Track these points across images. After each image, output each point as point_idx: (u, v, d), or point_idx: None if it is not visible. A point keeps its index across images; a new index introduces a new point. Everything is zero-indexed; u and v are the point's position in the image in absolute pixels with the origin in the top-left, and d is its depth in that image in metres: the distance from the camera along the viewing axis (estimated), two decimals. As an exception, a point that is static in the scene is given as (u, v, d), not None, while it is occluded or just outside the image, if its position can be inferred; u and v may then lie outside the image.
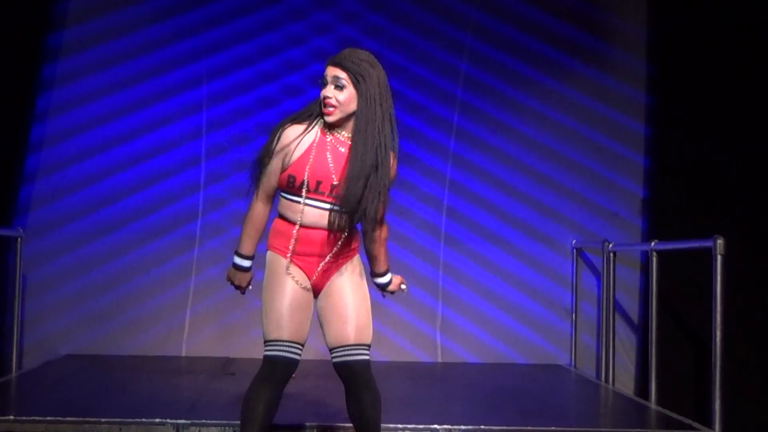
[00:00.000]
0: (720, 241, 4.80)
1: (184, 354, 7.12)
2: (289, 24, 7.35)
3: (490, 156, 7.31)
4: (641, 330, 6.81)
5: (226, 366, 6.54)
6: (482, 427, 4.50)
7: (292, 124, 3.63)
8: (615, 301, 6.63)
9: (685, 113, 6.81)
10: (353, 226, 3.63)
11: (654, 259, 5.83)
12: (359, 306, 3.66)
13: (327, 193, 3.56)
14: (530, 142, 7.31)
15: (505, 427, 4.53)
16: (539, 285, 7.24)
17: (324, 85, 3.57)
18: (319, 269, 3.64)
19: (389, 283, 3.88)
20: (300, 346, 3.60)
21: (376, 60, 3.58)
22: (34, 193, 7.10)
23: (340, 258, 3.66)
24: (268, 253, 3.68)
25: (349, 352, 3.61)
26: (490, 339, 7.20)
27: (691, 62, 6.82)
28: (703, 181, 6.71)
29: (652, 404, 5.68)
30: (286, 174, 3.60)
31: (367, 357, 3.62)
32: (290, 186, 3.59)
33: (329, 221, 3.57)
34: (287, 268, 3.63)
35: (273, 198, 3.71)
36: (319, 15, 7.35)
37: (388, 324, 6.97)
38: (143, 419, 4.47)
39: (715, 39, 6.75)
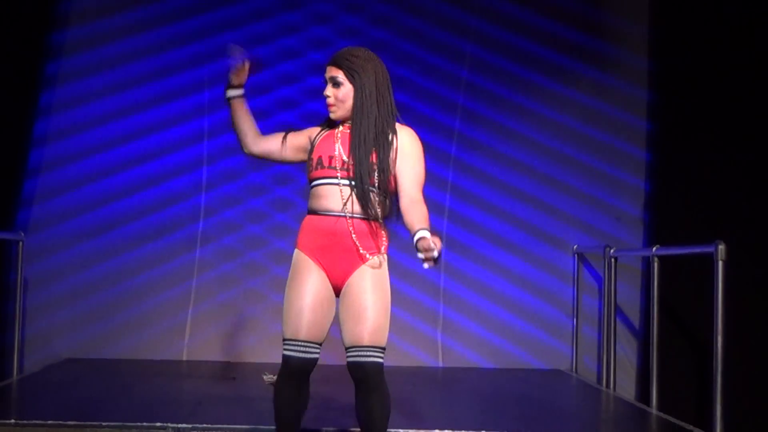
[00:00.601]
0: (721, 247, 4.80)
1: (185, 358, 7.11)
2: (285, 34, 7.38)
3: (491, 159, 7.30)
4: (642, 335, 6.80)
5: (227, 370, 6.53)
6: (483, 432, 4.52)
7: (317, 125, 3.88)
8: (616, 306, 6.63)
9: (688, 117, 6.80)
10: (369, 208, 3.66)
11: (655, 264, 5.83)
12: (377, 307, 3.66)
13: (338, 167, 3.68)
14: (532, 145, 7.30)
15: (506, 432, 4.54)
16: (540, 290, 7.23)
17: (326, 83, 3.78)
18: (340, 265, 3.68)
19: (420, 239, 3.50)
20: (316, 345, 3.65)
21: (372, 54, 3.77)
22: (36, 193, 7.10)
23: (361, 252, 3.67)
24: (295, 251, 3.76)
25: (362, 353, 3.62)
26: (491, 343, 7.20)
27: (693, 63, 6.80)
28: (705, 185, 6.69)
29: (653, 409, 5.68)
30: (308, 161, 3.81)
31: (379, 360, 3.62)
32: (309, 170, 3.77)
33: (341, 198, 3.66)
34: (309, 265, 3.70)
35: (262, 138, 3.91)
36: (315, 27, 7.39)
37: (389, 327, 6.95)
38: (144, 423, 4.47)
39: (717, 44, 6.73)
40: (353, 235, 3.66)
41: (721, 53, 6.72)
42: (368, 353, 3.63)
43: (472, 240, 7.26)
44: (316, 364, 3.68)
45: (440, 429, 4.50)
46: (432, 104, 7.34)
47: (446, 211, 7.26)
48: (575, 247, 7.21)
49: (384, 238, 3.75)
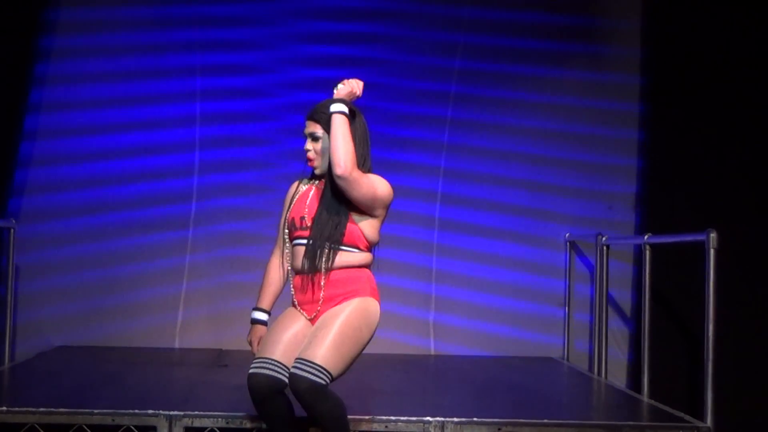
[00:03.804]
0: (713, 235, 4.80)
1: (177, 346, 7.12)
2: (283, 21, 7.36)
3: (484, 147, 7.31)
4: (634, 323, 6.82)
5: (219, 358, 6.54)
6: (475, 419, 4.51)
7: (296, 181, 4.00)
8: (608, 294, 6.65)
9: (679, 107, 6.81)
10: (330, 262, 3.74)
11: (647, 252, 5.83)
12: (341, 337, 3.67)
13: (306, 228, 3.79)
14: (525, 134, 7.30)
15: (497, 420, 4.52)
16: (533, 278, 7.25)
17: (305, 139, 3.85)
18: (316, 312, 3.78)
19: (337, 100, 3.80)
20: (286, 369, 3.67)
21: (352, 107, 3.84)
22: (27, 183, 7.09)
23: (336, 300, 3.76)
24: None
25: (305, 367, 3.60)
26: (483, 331, 7.21)
27: (684, 53, 6.81)
28: (696, 174, 6.72)
29: (645, 397, 5.69)
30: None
31: (319, 381, 3.57)
32: (287, 232, 3.89)
33: (305, 254, 3.75)
34: (293, 313, 3.85)
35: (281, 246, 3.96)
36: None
37: (381, 316, 6.97)
38: (136, 410, 4.46)
39: (708, 31, 6.75)
40: (322, 293, 3.75)
41: (715, 41, 6.72)
42: (310, 369, 3.59)
43: (465, 228, 7.26)
44: (284, 388, 3.69)
45: (432, 416, 4.50)
46: (425, 92, 7.34)
47: (438, 196, 7.25)
48: (567, 235, 7.21)
49: (368, 282, 3.80)
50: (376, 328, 3.84)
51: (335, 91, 3.82)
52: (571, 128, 7.28)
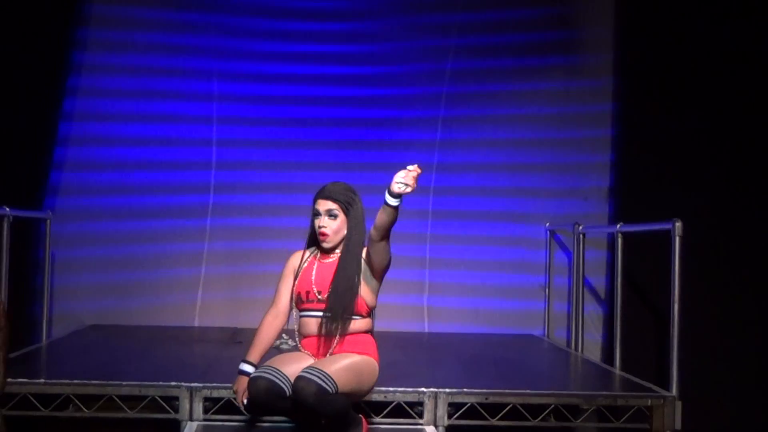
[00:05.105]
0: (678, 224, 4.81)
1: (196, 324, 7.14)
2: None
3: (474, 143, 7.33)
4: (608, 303, 6.83)
5: (234, 335, 6.54)
6: (464, 390, 4.53)
7: (297, 252, 3.90)
8: (584, 278, 6.66)
9: (650, 104, 6.78)
10: (345, 329, 3.71)
11: (619, 240, 5.84)
12: (351, 366, 3.65)
13: (315, 301, 3.74)
14: (511, 132, 7.31)
15: (485, 390, 4.55)
16: (517, 263, 7.26)
17: (316, 216, 3.77)
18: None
19: (394, 194, 3.48)
20: (289, 381, 3.60)
21: (354, 188, 3.81)
22: (61, 183, 7.11)
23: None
24: None
25: (314, 373, 3.53)
26: (472, 311, 7.22)
27: (656, 52, 6.78)
28: (664, 165, 6.70)
29: (617, 370, 5.71)
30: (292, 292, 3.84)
31: (324, 386, 3.50)
32: (295, 304, 3.83)
33: (319, 328, 3.72)
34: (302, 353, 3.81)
35: (284, 314, 3.87)
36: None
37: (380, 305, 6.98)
38: (160, 382, 4.48)
39: (676, 34, 6.72)
40: (330, 352, 3.72)
41: (683, 43, 6.69)
42: (320, 375, 3.52)
43: (456, 218, 7.26)
44: (283, 396, 3.59)
45: (426, 387, 4.52)
46: (418, 92, 7.35)
47: (431, 190, 7.25)
48: (547, 224, 7.22)
49: (372, 346, 3.79)
50: (372, 387, 3.85)
51: (398, 184, 3.40)
52: (551, 129, 7.29)
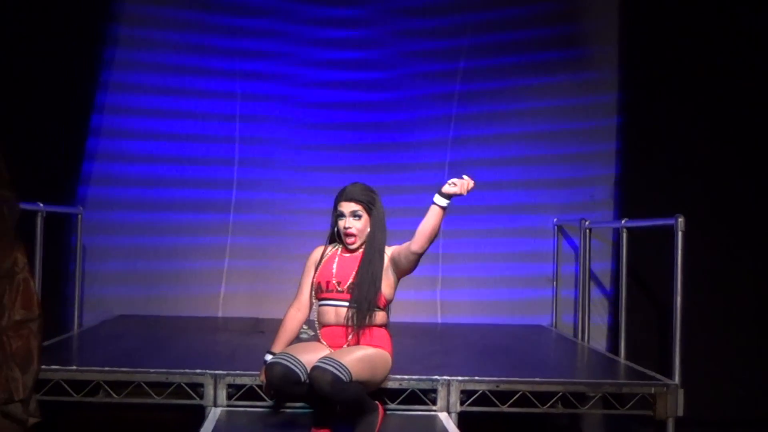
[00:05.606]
0: (681, 219, 4.81)
1: (220, 315, 7.17)
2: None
3: (486, 140, 7.30)
4: (613, 295, 6.82)
5: (256, 325, 6.56)
6: (476, 378, 4.55)
7: (318, 247, 3.95)
8: (590, 271, 6.65)
9: (655, 101, 6.73)
10: (366, 322, 3.74)
11: (624, 234, 5.84)
12: (366, 357, 3.68)
13: (334, 291, 3.77)
14: (521, 126, 7.29)
15: (496, 378, 4.57)
16: (526, 256, 7.25)
17: (341, 217, 3.80)
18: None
19: (446, 195, 3.63)
20: (305, 368, 3.63)
21: (372, 187, 3.87)
22: (93, 174, 7.13)
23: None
24: None
25: (329, 363, 3.56)
26: (483, 303, 7.22)
27: (659, 46, 6.71)
28: (669, 163, 6.67)
29: (622, 359, 5.71)
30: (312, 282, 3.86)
31: (339, 375, 3.51)
32: (315, 293, 3.84)
33: (345, 317, 3.74)
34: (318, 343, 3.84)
35: (306, 307, 3.91)
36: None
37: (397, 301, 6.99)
38: (186, 370, 4.51)
39: (681, 26, 6.65)
40: (349, 338, 3.75)
41: (688, 36, 6.63)
42: (336, 365, 3.53)
43: (469, 213, 7.25)
44: (298, 382, 3.61)
45: (439, 375, 4.54)
46: (432, 91, 7.34)
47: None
48: (555, 219, 7.22)
49: (387, 340, 3.82)
50: (385, 379, 3.88)
51: (450, 186, 3.60)
52: (558, 127, 7.26)
